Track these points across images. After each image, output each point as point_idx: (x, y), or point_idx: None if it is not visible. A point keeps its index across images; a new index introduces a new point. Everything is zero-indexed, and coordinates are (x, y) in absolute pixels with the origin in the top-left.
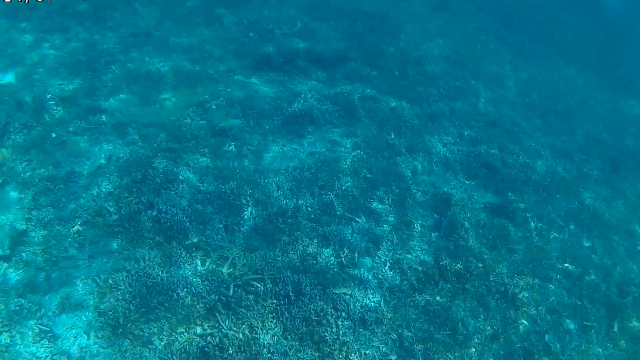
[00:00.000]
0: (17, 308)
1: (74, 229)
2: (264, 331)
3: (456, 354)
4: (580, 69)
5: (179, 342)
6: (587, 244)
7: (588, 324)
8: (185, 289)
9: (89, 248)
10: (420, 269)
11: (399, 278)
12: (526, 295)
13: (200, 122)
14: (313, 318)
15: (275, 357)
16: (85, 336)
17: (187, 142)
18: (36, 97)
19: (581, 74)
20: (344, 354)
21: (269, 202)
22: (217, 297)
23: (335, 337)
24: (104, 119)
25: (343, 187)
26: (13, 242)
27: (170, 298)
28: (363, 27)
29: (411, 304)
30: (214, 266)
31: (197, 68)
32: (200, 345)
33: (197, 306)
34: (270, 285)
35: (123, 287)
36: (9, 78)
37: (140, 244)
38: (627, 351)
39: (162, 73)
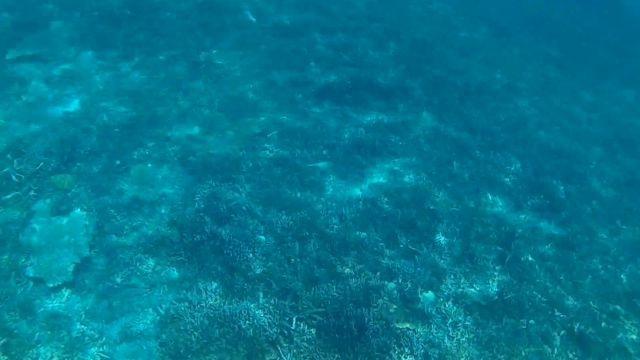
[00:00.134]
0: (79, 335)
1: (136, 257)
2: None
3: None
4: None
5: None
6: None
7: None
8: (247, 321)
9: (150, 277)
10: (483, 303)
11: (463, 313)
12: (593, 331)
13: (262, 152)
14: (376, 353)
15: None
16: None
17: (250, 171)
18: (102, 124)
19: None
20: None
21: (331, 234)
22: (279, 330)
23: None
24: (168, 147)
25: (406, 219)
26: (77, 269)
27: (232, 330)
28: (422, 56)
29: (474, 339)
30: (276, 298)
31: (259, 97)
32: None
33: (259, 339)
34: (333, 319)
35: (185, 317)
36: (75, 104)
37: (202, 275)
38: None
39: (224, 102)
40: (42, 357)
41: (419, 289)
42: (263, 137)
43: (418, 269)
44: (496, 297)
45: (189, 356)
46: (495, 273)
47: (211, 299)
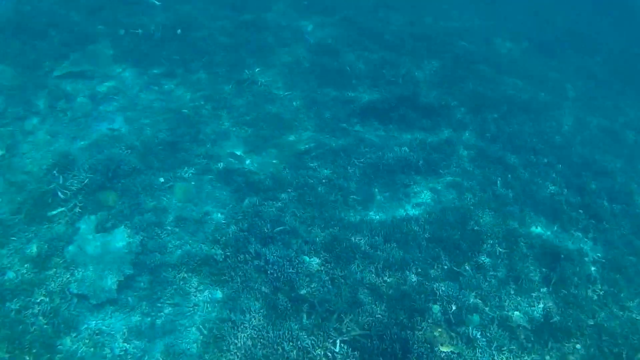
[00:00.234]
0: (122, 353)
1: (179, 275)
2: None
3: None
4: None
5: None
6: None
7: None
8: (290, 343)
9: (194, 296)
10: (529, 327)
11: (508, 336)
12: None
13: (306, 170)
14: None
15: None
16: None
17: (293, 191)
18: (145, 142)
19: None
20: None
21: (376, 255)
22: (322, 353)
23: None
24: (211, 165)
25: (450, 240)
26: (121, 286)
27: (275, 352)
28: (464, 73)
29: None
30: (320, 320)
31: (302, 115)
32: None
33: None
34: (377, 341)
35: (228, 338)
36: (119, 121)
37: (246, 295)
38: None
39: (267, 120)
40: None
41: (464, 312)
42: (307, 156)
43: (462, 290)
44: (542, 320)
45: None
46: (541, 295)
47: (255, 319)
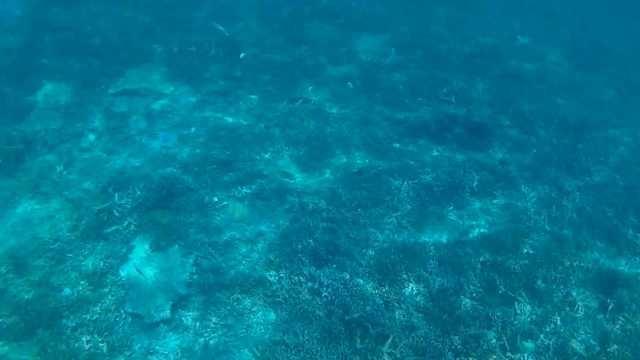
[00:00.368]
0: None
1: (233, 296)
2: None
3: None
4: None
5: None
6: None
7: None
8: None
9: (247, 317)
10: (585, 355)
11: None
12: None
13: (360, 191)
14: None
15: None
16: None
17: (347, 212)
18: (198, 160)
19: None
20: None
21: (430, 278)
22: None
23: None
24: (265, 184)
25: (505, 264)
26: (174, 306)
27: None
28: (516, 90)
29: None
30: (373, 344)
31: (355, 134)
32: None
33: None
34: None
35: None
36: (173, 139)
37: (299, 317)
38: None
39: (321, 140)
40: None
41: (519, 338)
42: (360, 176)
43: (518, 316)
44: (598, 349)
45: None
46: (597, 322)
47: (308, 342)
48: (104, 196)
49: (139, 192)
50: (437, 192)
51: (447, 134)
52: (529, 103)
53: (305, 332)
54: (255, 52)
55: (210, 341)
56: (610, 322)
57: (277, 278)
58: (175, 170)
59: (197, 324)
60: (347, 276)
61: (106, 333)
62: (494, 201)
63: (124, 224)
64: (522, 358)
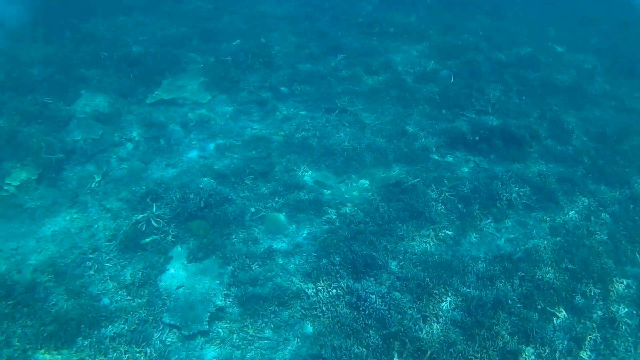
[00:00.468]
0: None
1: (270, 308)
2: None
3: None
4: None
5: None
6: None
7: None
8: None
9: (284, 330)
10: None
11: None
12: None
13: (398, 203)
14: None
15: None
16: None
17: (385, 224)
18: (236, 171)
19: None
20: None
21: (468, 293)
22: None
23: None
24: (302, 195)
25: (544, 279)
26: (212, 317)
27: None
28: (552, 101)
29: None
30: (411, 359)
31: (392, 146)
32: None
33: None
34: None
35: None
36: (210, 149)
37: (336, 331)
38: None
39: (358, 150)
40: None
41: (557, 355)
42: (397, 188)
43: (556, 332)
44: None
45: None
46: (638, 340)
47: (346, 356)
48: (142, 206)
49: (176, 203)
50: (475, 204)
51: (484, 145)
52: (566, 113)
53: (343, 346)
54: (291, 61)
55: (247, 354)
56: None
57: (314, 291)
58: (212, 180)
59: (234, 336)
60: (385, 289)
61: (144, 344)
62: (532, 214)
63: (162, 234)
64: None
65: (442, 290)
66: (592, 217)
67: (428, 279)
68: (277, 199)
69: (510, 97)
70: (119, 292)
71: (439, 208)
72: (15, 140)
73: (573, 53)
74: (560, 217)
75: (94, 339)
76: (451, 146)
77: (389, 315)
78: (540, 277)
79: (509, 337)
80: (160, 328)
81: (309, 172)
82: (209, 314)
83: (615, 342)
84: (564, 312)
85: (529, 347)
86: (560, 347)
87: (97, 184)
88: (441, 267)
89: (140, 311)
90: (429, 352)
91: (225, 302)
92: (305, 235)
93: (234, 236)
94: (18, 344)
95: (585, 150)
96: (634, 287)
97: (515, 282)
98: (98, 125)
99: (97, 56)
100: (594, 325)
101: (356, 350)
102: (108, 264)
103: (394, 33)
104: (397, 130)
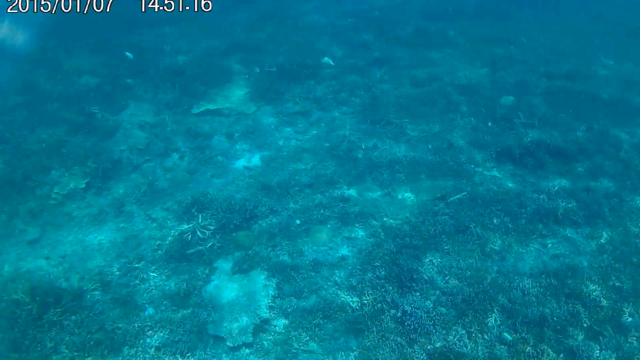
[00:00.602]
0: None
1: (315, 321)
2: None
3: None
4: None
5: None
6: None
7: None
8: None
9: (329, 343)
10: None
11: None
12: None
13: (443, 217)
14: None
15: None
16: None
17: (430, 238)
18: (282, 182)
19: None
20: None
21: (514, 309)
22: None
23: None
24: (347, 208)
25: (590, 296)
26: (256, 329)
27: None
28: (599, 115)
29: None
30: None
31: (438, 159)
32: None
33: None
34: None
35: None
36: (255, 160)
37: (381, 345)
38: None
39: (403, 163)
40: None
41: None
42: (442, 202)
43: (603, 352)
44: None
45: None
46: None
47: None
48: (187, 216)
49: (222, 214)
50: (521, 219)
51: (531, 158)
52: (614, 127)
53: None
54: (336, 72)
55: None
56: None
57: (359, 304)
58: (257, 191)
59: (279, 348)
60: (430, 304)
61: (189, 354)
62: (579, 230)
63: (207, 245)
64: None
65: (488, 306)
66: None
67: (473, 295)
68: (322, 210)
69: (557, 110)
70: (164, 302)
71: (485, 222)
72: (63, 149)
73: (621, 65)
74: (607, 233)
75: (140, 348)
76: (497, 160)
77: (434, 331)
78: (587, 294)
79: (554, 354)
80: (205, 339)
81: (354, 185)
82: (253, 325)
83: None
84: (611, 331)
85: None
86: None
87: (142, 194)
88: (487, 283)
89: (185, 322)
90: None
91: (270, 314)
92: (350, 248)
93: (279, 248)
94: (66, 351)
95: (633, 165)
96: None
97: (561, 299)
98: (144, 135)
99: (143, 66)
100: None
101: None
102: (153, 274)
103: (440, 44)
104: (442, 143)
